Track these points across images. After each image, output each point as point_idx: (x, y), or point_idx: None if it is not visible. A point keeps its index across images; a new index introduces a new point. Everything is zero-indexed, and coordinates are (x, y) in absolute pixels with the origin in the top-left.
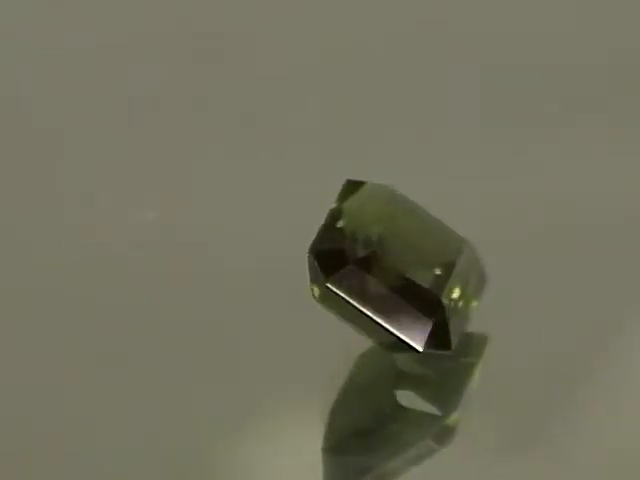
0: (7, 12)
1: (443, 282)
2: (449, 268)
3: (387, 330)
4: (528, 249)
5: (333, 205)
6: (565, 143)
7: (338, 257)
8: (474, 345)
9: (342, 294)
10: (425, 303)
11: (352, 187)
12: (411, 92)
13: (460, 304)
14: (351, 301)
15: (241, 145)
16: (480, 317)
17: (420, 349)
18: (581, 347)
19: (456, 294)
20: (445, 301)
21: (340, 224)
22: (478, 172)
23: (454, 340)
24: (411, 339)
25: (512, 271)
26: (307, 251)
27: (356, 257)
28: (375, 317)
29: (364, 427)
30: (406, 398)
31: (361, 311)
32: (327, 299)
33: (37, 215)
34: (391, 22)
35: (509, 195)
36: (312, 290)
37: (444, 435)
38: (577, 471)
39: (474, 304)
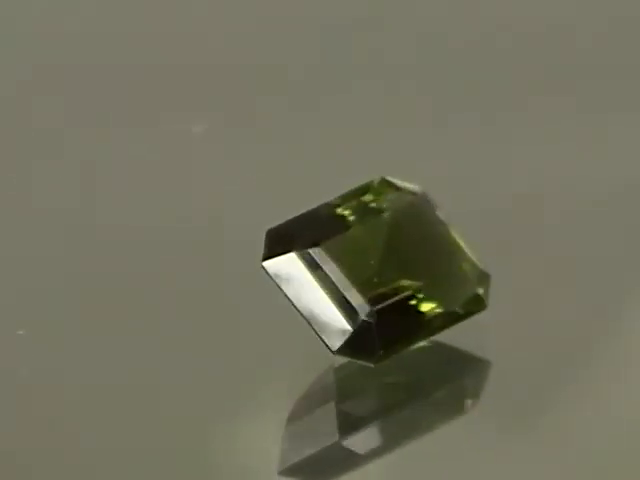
0: (7, 12)
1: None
2: (416, 287)
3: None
4: (528, 249)
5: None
6: (565, 143)
7: (286, 242)
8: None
9: (274, 279)
10: (355, 315)
11: (381, 184)
12: (411, 92)
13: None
14: (281, 288)
15: (241, 145)
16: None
17: (333, 352)
18: (580, 342)
19: (427, 309)
20: (372, 318)
21: (326, 214)
22: (478, 172)
23: (377, 355)
24: (330, 340)
25: (511, 271)
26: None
27: (302, 250)
28: (300, 310)
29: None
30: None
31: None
32: (271, 278)
33: (37, 214)
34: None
35: (509, 195)
36: None
37: None
38: (579, 446)
39: (451, 326)
